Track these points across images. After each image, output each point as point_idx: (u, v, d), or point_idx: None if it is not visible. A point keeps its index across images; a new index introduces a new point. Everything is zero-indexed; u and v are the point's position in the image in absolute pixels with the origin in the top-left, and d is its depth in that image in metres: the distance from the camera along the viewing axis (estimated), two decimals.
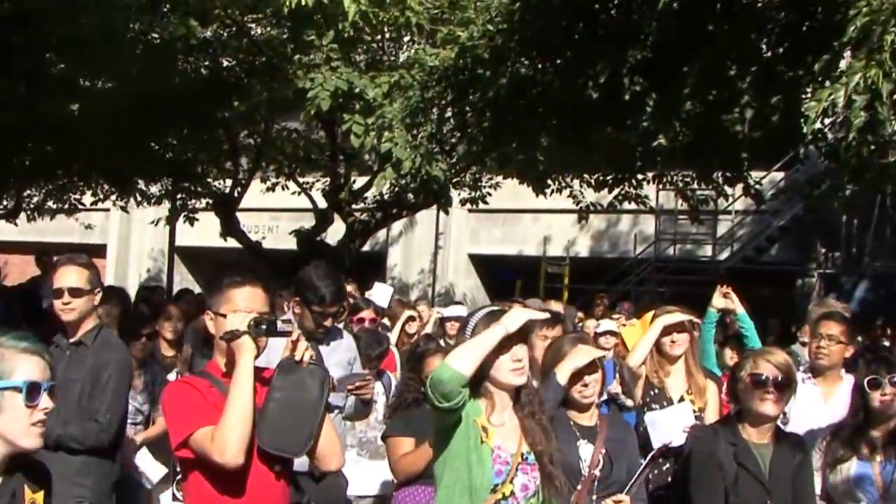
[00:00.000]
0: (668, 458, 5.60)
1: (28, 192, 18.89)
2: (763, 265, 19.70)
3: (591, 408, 4.83)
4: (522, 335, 3.88)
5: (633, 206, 14.95)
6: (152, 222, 19.65)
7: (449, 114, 10.65)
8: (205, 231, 18.18)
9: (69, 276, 5.26)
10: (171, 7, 12.86)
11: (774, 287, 18.91)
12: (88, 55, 11.09)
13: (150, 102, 12.57)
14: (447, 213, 16.72)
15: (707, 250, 20.74)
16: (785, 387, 4.74)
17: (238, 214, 17.03)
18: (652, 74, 8.80)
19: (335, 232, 16.94)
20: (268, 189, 18.47)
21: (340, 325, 6.05)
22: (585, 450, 4.70)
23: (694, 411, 5.77)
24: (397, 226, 22.42)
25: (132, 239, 27.77)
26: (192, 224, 17.47)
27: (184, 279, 24.32)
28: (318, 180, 17.59)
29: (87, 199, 18.83)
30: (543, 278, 19.36)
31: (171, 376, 7.23)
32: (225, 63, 14.72)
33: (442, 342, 7.93)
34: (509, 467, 3.86)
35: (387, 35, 13.95)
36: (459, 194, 15.92)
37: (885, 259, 18.08)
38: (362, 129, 10.69)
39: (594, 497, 4.66)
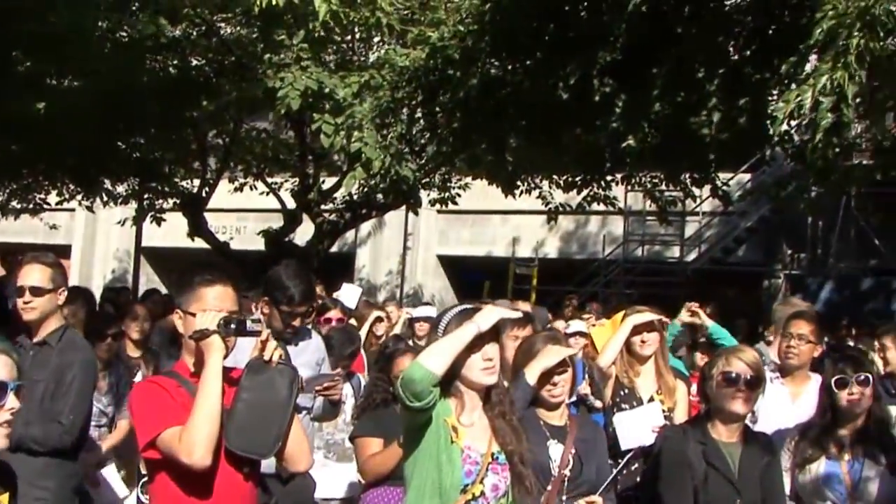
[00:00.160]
0: (638, 458, 5.61)
1: None
2: (730, 266, 19.83)
3: (561, 407, 4.83)
4: (494, 334, 3.86)
5: (601, 207, 15.03)
6: (118, 222, 19.47)
7: (419, 114, 10.64)
8: (171, 231, 18.06)
9: (32, 274, 5.19)
10: (140, 5, 12.78)
11: (741, 288, 19.06)
12: (57, 53, 10.99)
13: (118, 101, 12.47)
14: (416, 213, 16.71)
15: (675, 251, 20.85)
16: (755, 385, 4.77)
17: (206, 215, 16.92)
18: (621, 76, 8.84)
19: (303, 233, 16.88)
20: (236, 189, 18.37)
21: (309, 326, 6.01)
22: (555, 450, 4.69)
23: (663, 411, 5.77)
24: (366, 227, 22.41)
25: (97, 239, 27.50)
26: (159, 224, 17.32)
27: (149, 280, 24.12)
28: (286, 180, 17.54)
29: (53, 198, 18.63)
30: (512, 279, 19.38)
31: (138, 378, 7.18)
32: (194, 62, 14.64)
33: (411, 343, 7.93)
34: (479, 467, 3.85)
35: (357, 35, 13.93)
36: (429, 195, 15.91)
37: (850, 260, 18.25)
38: (332, 128, 10.66)
39: (564, 497, 4.66)
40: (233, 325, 3.68)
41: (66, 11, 9.97)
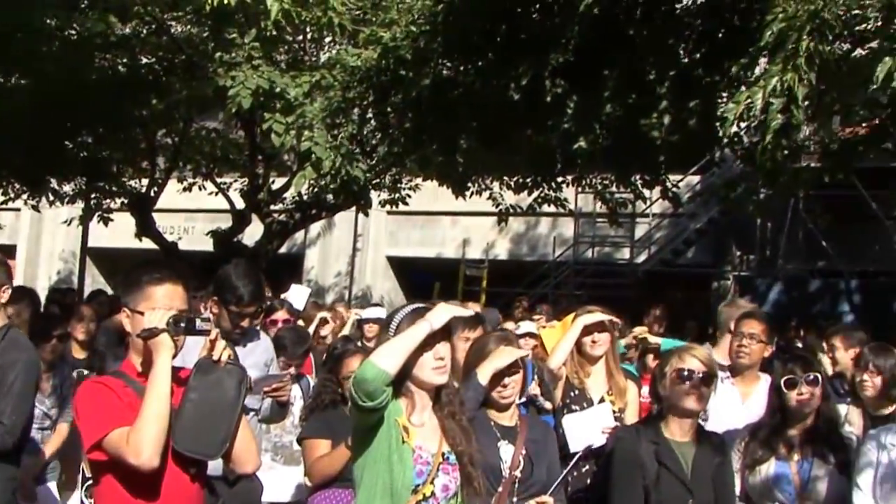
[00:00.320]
0: (588, 459, 5.60)
1: None
2: (680, 268, 19.96)
3: (511, 408, 4.83)
4: (445, 333, 3.83)
5: (552, 208, 15.05)
6: (65, 222, 19.23)
7: (370, 114, 10.63)
8: (118, 232, 17.83)
9: None
10: (89, 3, 12.61)
11: (691, 289, 19.19)
12: (3, 51, 10.81)
13: (66, 100, 12.31)
14: (367, 214, 16.65)
15: (625, 253, 20.94)
16: (708, 381, 4.78)
17: (154, 215, 16.75)
18: (573, 77, 8.88)
19: (252, 233, 16.76)
20: (184, 189, 18.19)
21: (258, 327, 5.95)
22: (506, 450, 4.69)
23: (614, 412, 5.77)
24: (315, 227, 22.28)
25: (43, 239, 27.12)
26: (106, 224, 17.13)
27: (95, 281, 23.76)
28: (235, 180, 17.40)
29: None
30: (462, 281, 19.35)
31: None
32: (144, 60, 14.49)
33: (360, 344, 7.88)
34: (430, 467, 3.82)
35: (309, 35, 13.86)
36: (379, 196, 15.88)
37: (798, 262, 18.44)
38: (283, 127, 10.60)
39: (515, 499, 4.65)
40: (182, 324, 3.62)
41: (12, 8, 9.80)
